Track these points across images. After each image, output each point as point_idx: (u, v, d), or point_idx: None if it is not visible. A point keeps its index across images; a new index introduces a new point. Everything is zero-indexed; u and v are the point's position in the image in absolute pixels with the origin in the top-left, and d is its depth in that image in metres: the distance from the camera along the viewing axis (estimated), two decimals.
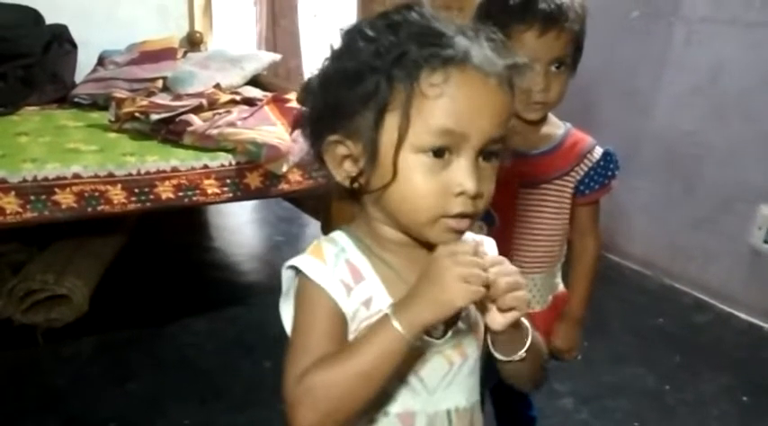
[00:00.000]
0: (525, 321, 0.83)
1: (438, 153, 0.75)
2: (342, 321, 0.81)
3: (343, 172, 0.82)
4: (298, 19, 3.86)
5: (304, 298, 0.82)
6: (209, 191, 2.36)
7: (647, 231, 3.19)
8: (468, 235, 0.92)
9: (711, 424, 2.14)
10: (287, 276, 0.85)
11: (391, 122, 0.75)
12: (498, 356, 0.85)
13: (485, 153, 0.78)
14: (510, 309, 0.76)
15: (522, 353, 0.83)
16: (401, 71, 0.74)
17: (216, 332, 2.47)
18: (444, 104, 0.73)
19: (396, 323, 0.73)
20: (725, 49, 2.78)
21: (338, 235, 0.87)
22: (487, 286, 0.74)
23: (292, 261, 0.83)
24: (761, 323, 2.74)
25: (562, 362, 1.54)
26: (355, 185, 0.81)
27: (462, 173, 0.76)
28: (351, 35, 0.80)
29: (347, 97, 0.77)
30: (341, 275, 0.82)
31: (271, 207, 3.63)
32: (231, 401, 2.09)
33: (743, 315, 2.80)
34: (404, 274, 0.83)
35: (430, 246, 0.82)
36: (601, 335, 2.53)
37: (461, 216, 0.77)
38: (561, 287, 1.51)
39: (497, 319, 0.77)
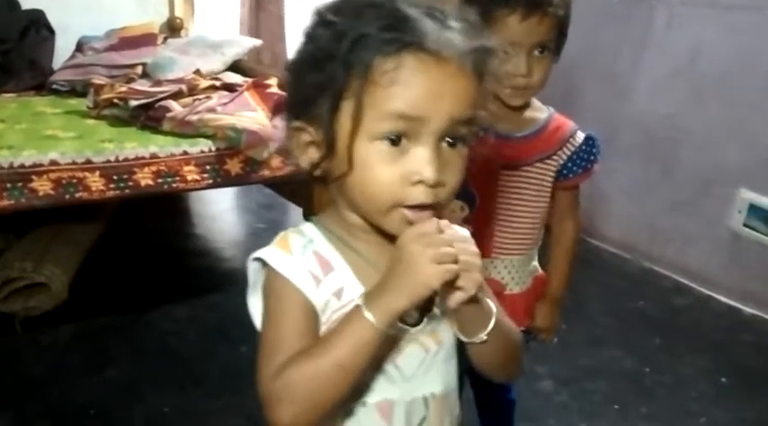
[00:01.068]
0: (492, 304, 0.82)
1: (394, 140, 0.74)
2: (312, 314, 0.80)
3: (307, 159, 0.81)
4: (284, 3, 3.83)
5: (272, 292, 0.81)
6: (189, 178, 2.34)
7: (626, 214, 3.20)
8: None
9: (690, 406, 2.16)
10: (253, 268, 0.84)
11: (347, 110, 0.74)
12: (460, 337, 0.84)
13: (450, 138, 0.76)
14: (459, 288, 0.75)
15: (482, 336, 0.81)
16: (356, 57, 0.72)
17: (195, 319, 2.47)
18: (397, 90, 0.72)
19: (368, 314, 0.72)
20: (704, 32, 2.79)
21: (307, 227, 0.86)
22: (456, 261, 0.73)
23: (258, 253, 0.82)
24: (740, 306, 2.76)
25: (539, 343, 1.55)
26: (317, 172, 0.80)
27: (420, 161, 0.74)
28: (315, 18, 0.79)
29: (306, 83, 0.77)
30: (309, 266, 0.81)
31: (252, 194, 3.61)
32: (209, 387, 2.09)
33: (722, 298, 2.82)
34: (375, 262, 0.82)
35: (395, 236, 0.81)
36: (580, 318, 2.54)
37: (421, 207, 0.76)
38: (539, 269, 1.52)
39: (452, 299, 0.75)
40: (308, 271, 0.80)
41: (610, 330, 2.57)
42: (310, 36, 0.79)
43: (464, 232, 0.87)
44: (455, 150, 0.77)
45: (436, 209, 0.77)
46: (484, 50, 0.76)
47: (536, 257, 1.50)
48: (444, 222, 0.76)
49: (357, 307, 0.74)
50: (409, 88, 0.72)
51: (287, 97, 0.83)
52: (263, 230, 3.31)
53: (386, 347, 0.81)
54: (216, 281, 2.77)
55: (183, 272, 2.87)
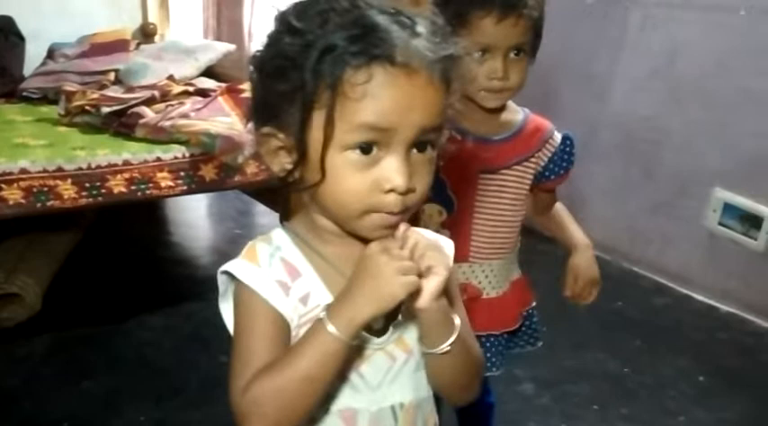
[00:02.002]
0: (456, 318, 0.82)
1: (365, 149, 0.74)
2: (282, 325, 0.80)
3: (278, 164, 0.80)
4: (243, 8, 3.79)
5: (241, 305, 0.81)
6: (163, 185, 2.31)
7: (605, 216, 3.20)
8: (427, 233, 0.90)
9: (669, 405, 2.17)
10: (222, 280, 0.84)
11: (318, 120, 0.73)
12: (424, 348, 0.83)
13: (418, 144, 0.76)
14: (429, 272, 0.75)
15: (446, 346, 0.80)
16: (325, 69, 0.71)
17: (172, 329, 2.44)
18: (367, 103, 0.71)
19: (331, 326, 0.73)
20: (680, 33, 2.80)
21: (276, 233, 0.85)
22: (420, 274, 0.74)
23: (226, 267, 0.82)
24: (718, 305, 2.78)
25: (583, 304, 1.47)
26: (290, 179, 0.79)
27: (392, 170, 0.74)
28: (279, 24, 0.77)
29: (274, 91, 0.76)
30: (276, 275, 0.81)
31: (230, 200, 3.58)
32: (187, 397, 2.06)
33: (701, 298, 2.83)
34: (342, 267, 0.82)
35: (367, 239, 0.81)
36: (561, 321, 2.51)
37: (392, 213, 0.76)
38: (518, 273, 1.50)
39: (423, 295, 0.75)
40: (276, 281, 0.80)
41: (591, 332, 2.56)
42: (275, 41, 0.77)
43: (434, 237, 0.87)
44: (424, 154, 0.77)
45: (406, 214, 0.78)
46: (451, 58, 0.76)
47: (516, 262, 1.49)
48: (409, 230, 0.77)
49: (320, 320, 0.74)
50: (379, 101, 0.72)
51: (253, 101, 0.82)
52: (241, 236, 3.28)
53: (350, 356, 0.80)
54: (193, 289, 2.73)
55: (161, 281, 2.82)
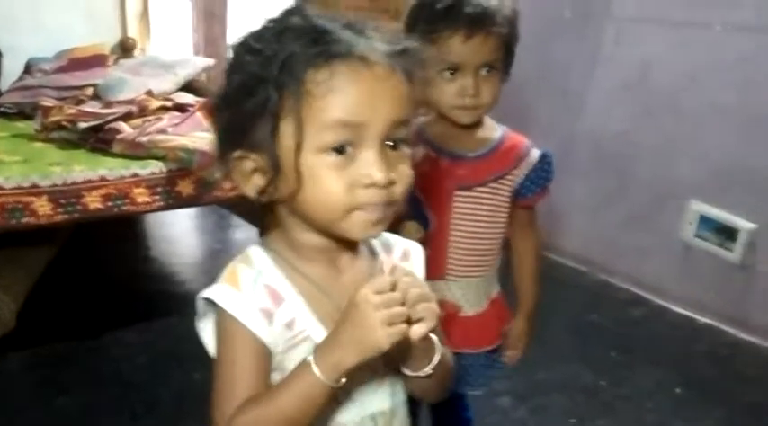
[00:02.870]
0: (436, 338, 0.83)
1: (339, 149, 0.75)
2: (264, 353, 0.80)
3: (252, 186, 0.80)
4: (226, 25, 3.79)
5: (224, 332, 0.81)
6: (140, 200, 2.29)
7: (582, 229, 3.23)
8: (397, 239, 0.92)
9: (646, 417, 2.18)
10: (201, 304, 0.84)
11: (287, 129, 0.74)
12: (406, 372, 0.85)
13: (392, 141, 0.77)
14: (419, 320, 0.75)
15: (428, 370, 0.82)
16: (287, 76, 0.73)
17: (149, 344, 2.42)
18: (333, 99, 0.73)
19: (316, 371, 0.74)
20: (653, 48, 2.84)
21: (255, 253, 0.85)
22: (408, 320, 0.74)
23: (207, 293, 0.81)
24: (694, 316, 2.80)
25: (504, 365, 1.56)
26: (264, 197, 0.80)
27: (368, 165, 0.75)
28: (238, 49, 0.79)
29: (240, 112, 0.77)
30: (260, 303, 0.80)
31: (210, 215, 3.57)
32: (163, 414, 2.05)
33: (677, 309, 2.86)
34: (325, 287, 0.83)
35: (352, 246, 0.83)
36: (538, 333, 2.54)
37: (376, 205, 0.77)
38: (497, 291, 1.50)
39: (411, 338, 0.76)
40: (259, 309, 0.80)
41: (567, 344, 2.58)
42: (236, 67, 0.79)
43: (406, 246, 0.89)
44: (398, 152, 0.78)
45: (392, 206, 0.78)
46: (408, 52, 0.78)
47: (496, 280, 1.49)
48: (399, 274, 0.76)
49: (307, 362, 0.75)
50: (344, 95, 0.73)
51: (220, 131, 0.82)
52: (220, 251, 3.27)
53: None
54: (170, 305, 2.72)
55: (137, 296, 2.80)
